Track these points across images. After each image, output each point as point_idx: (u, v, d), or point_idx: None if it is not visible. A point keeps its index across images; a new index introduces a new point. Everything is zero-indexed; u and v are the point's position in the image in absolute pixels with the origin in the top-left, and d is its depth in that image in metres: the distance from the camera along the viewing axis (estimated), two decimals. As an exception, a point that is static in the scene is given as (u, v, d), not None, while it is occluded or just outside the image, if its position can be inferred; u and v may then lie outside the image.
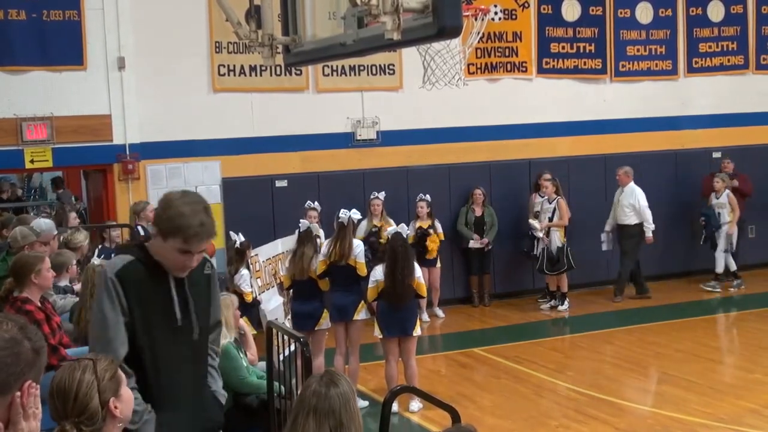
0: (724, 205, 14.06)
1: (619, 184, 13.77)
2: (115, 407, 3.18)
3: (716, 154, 15.23)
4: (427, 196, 13.03)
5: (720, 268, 14.15)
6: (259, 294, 10.29)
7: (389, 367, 9.03)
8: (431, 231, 12.83)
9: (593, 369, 10.68)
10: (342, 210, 9.32)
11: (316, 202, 11.61)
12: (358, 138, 13.46)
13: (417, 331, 9.05)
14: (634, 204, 13.59)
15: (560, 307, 13.31)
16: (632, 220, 13.64)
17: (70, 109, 11.84)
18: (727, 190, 14.13)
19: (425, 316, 12.53)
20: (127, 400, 3.28)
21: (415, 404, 8.98)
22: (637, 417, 8.85)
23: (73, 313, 7.32)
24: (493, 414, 8.99)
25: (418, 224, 12.86)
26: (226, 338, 7.02)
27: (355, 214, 9.38)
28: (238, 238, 10.14)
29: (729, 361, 11.05)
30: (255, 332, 8.73)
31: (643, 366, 10.75)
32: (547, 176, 13.36)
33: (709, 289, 14.14)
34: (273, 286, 11.01)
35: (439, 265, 13.04)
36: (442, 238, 13.06)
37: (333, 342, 9.42)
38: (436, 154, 13.78)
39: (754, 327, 12.27)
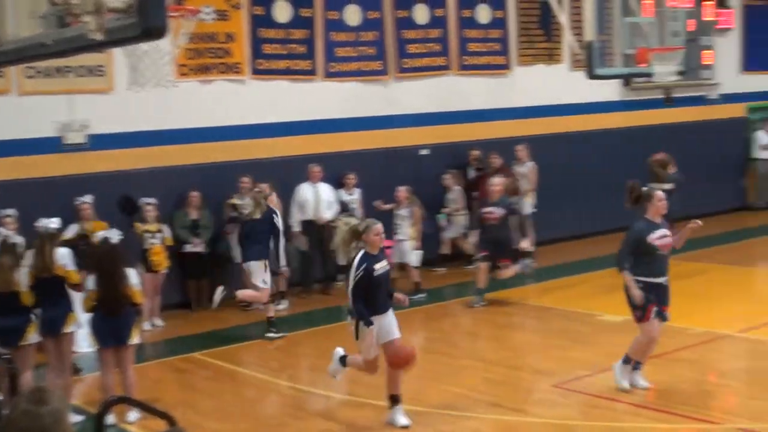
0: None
1: (311, 180, 14.20)
2: None
3: (423, 152, 15.95)
4: (152, 200, 12.75)
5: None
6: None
7: (105, 378, 8.76)
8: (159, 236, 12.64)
9: (313, 366, 10.86)
10: (40, 219, 8.91)
11: (12, 209, 11.09)
12: (67, 142, 12.91)
13: (134, 340, 8.81)
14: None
15: (279, 306, 13.42)
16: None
17: None
18: (458, 187, 15.05)
19: (147, 324, 12.24)
20: None
21: (133, 414, 8.74)
22: (354, 409, 9.06)
23: None
24: (215, 418, 8.93)
25: (144, 228, 12.52)
26: None
27: (53, 223, 8.94)
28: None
29: (435, 349, 11.49)
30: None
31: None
32: (245, 178, 13.51)
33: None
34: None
35: (164, 270, 12.77)
36: (170, 243, 12.84)
37: (43, 357, 8.98)
38: (150, 158, 13.48)
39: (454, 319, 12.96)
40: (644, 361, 9.01)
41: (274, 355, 11.33)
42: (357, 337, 8.25)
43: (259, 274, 11.66)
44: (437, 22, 16.43)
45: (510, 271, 13.29)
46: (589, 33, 13.60)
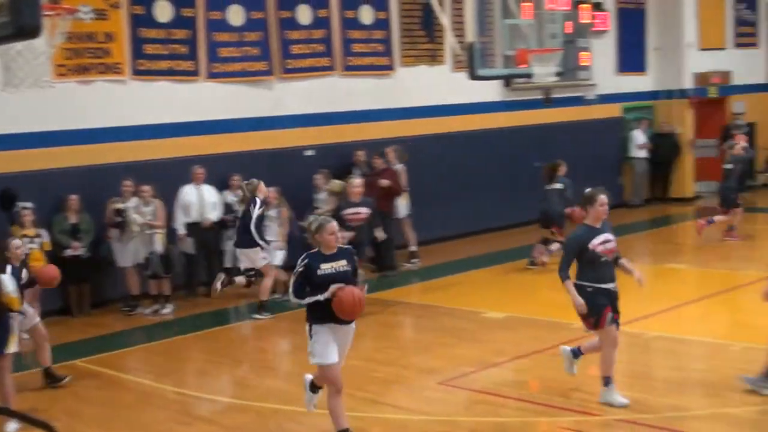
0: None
1: (195, 182, 14.02)
2: None
3: (308, 153, 15.94)
4: (29, 204, 12.40)
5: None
6: None
7: (-19, 388, 8.47)
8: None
9: (198, 370, 10.75)
10: None
11: None
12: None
13: (11, 349, 8.56)
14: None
15: (163, 311, 13.23)
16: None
17: None
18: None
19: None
20: None
21: (12, 425, 8.48)
22: (241, 413, 8.99)
23: None
24: (98, 427, 8.75)
25: (22, 233, 12.16)
26: None
27: None
28: None
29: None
30: None
31: (239, 360, 11.09)
32: (127, 181, 13.32)
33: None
34: None
35: None
36: (49, 248, 12.52)
37: None
38: (28, 160, 13.11)
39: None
40: (610, 373, 8.55)
41: (159, 360, 11.16)
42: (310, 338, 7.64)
43: (253, 256, 12.60)
44: (320, 22, 16.43)
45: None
46: (471, 34, 13.82)
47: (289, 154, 15.81)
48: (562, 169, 15.22)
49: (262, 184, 12.86)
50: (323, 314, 7.52)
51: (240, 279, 12.87)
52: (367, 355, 10.97)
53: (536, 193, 17.49)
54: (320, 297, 7.47)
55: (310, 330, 7.59)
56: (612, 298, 8.40)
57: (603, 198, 8.33)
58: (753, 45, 24.21)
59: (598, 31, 20.48)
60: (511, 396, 8.97)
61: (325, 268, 7.59)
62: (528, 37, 14.16)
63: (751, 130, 22.79)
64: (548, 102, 16.48)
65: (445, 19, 16.56)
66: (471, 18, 13.88)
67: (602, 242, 8.30)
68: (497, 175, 18.72)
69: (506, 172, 18.85)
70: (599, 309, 8.31)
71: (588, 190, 8.49)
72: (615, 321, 8.45)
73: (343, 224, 11.90)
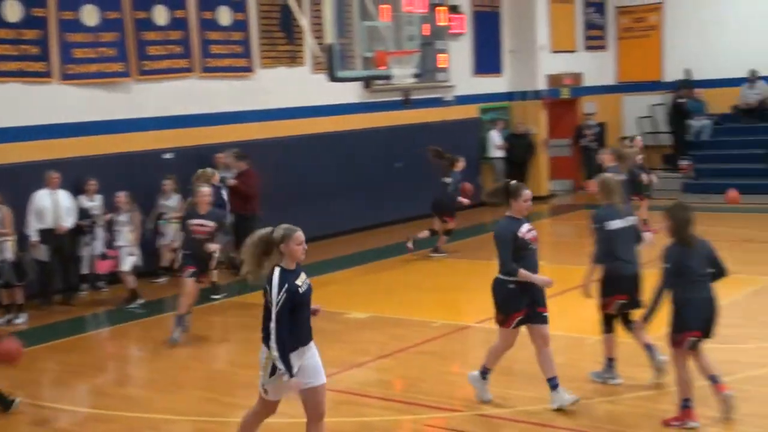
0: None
1: (49, 187, 13.57)
2: None
3: (167, 156, 15.68)
4: None
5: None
6: None
7: None
8: None
9: (54, 380, 10.44)
10: None
11: None
12: None
13: None
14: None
15: (17, 321, 12.79)
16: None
17: None
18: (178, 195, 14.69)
19: None
20: None
21: None
22: (103, 423, 8.77)
23: None
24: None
25: None
26: None
27: None
28: None
29: (187, 354, 11.33)
30: None
31: (97, 369, 10.85)
32: None
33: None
34: None
35: None
36: None
37: None
38: None
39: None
40: (493, 366, 8.64)
41: (11, 372, 10.72)
42: (270, 375, 6.58)
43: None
44: (178, 23, 16.18)
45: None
46: (329, 36, 13.85)
47: (147, 157, 15.51)
48: (459, 165, 16.11)
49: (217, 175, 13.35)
50: (299, 338, 6.61)
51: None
52: (230, 359, 10.89)
53: (397, 194, 17.75)
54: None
55: (285, 356, 6.46)
56: (536, 290, 8.28)
57: (528, 193, 8.29)
58: (602, 48, 25.10)
59: (454, 34, 20.88)
60: (375, 395, 9.04)
61: (301, 284, 6.70)
62: (386, 39, 14.29)
63: (601, 130, 23.66)
64: (407, 103, 16.67)
65: (303, 21, 16.56)
66: (330, 19, 13.91)
67: (528, 230, 8.27)
68: (357, 177, 18.83)
69: (366, 173, 18.98)
70: (512, 310, 8.25)
71: (513, 182, 8.44)
72: (540, 315, 8.33)
73: (189, 234, 11.43)
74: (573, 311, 11.19)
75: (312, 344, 6.73)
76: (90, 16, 15.00)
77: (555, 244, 17.12)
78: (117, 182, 14.46)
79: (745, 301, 11.93)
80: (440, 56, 18.41)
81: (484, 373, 8.64)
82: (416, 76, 15.22)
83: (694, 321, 7.66)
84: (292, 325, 6.49)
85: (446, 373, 9.76)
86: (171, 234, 14.71)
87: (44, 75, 14.47)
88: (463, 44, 21.54)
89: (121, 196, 13.70)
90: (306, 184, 17.68)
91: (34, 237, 13.43)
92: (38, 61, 14.39)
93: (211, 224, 11.46)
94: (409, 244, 15.77)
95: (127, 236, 13.52)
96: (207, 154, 15.94)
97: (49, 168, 13.74)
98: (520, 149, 22.28)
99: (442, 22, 18.16)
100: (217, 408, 8.95)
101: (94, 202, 14.17)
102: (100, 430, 8.55)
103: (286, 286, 6.50)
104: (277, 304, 6.46)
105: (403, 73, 14.62)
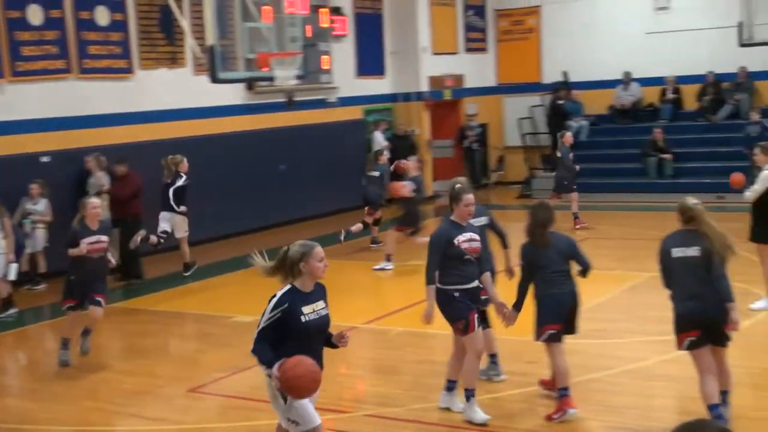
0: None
1: None
2: None
3: (44, 159, 15.26)
4: None
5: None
6: None
7: None
8: None
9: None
10: None
11: None
12: None
13: None
14: None
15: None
16: None
17: None
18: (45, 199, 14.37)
19: None
20: None
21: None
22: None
23: None
24: None
25: None
26: None
27: None
28: None
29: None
30: None
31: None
32: None
33: None
34: None
35: None
36: None
37: None
38: None
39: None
40: (472, 386, 8.04)
41: None
42: (284, 402, 6.09)
43: (164, 220, 14.42)
44: (53, 23, 15.75)
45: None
46: (211, 37, 13.71)
47: (24, 160, 15.06)
48: (383, 158, 16.86)
49: (185, 161, 14.58)
50: None
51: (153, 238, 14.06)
52: (114, 366, 10.66)
53: (282, 196, 17.65)
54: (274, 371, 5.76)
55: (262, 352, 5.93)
56: (476, 296, 7.98)
57: (469, 197, 7.89)
58: (483, 50, 25.51)
59: (337, 36, 20.90)
60: (264, 399, 8.92)
61: (308, 312, 5.96)
62: (268, 40, 14.23)
63: (483, 131, 24.05)
64: (291, 105, 16.64)
65: (184, 22, 16.35)
66: (211, 20, 13.78)
67: (468, 240, 7.84)
68: (242, 179, 18.68)
69: (251, 175, 18.85)
70: (466, 312, 7.81)
71: (457, 186, 7.98)
72: (483, 320, 8.16)
73: (82, 256, 10.07)
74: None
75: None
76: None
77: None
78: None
79: (622, 296, 12.27)
80: (323, 58, 18.45)
81: (469, 396, 8.00)
82: (299, 77, 15.22)
83: (552, 315, 7.89)
84: (293, 352, 5.78)
85: (334, 374, 9.75)
86: (40, 239, 14.37)
87: None
88: (346, 46, 21.60)
89: None
90: (190, 185, 17.42)
91: None
92: None
93: (105, 239, 10.36)
94: (341, 237, 16.15)
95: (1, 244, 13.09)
96: (86, 157, 15.60)
97: None
98: (402, 150, 22.37)
99: (324, 24, 18.18)
100: (102, 417, 8.77)
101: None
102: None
103: (285, 306, 5.87)
104: (263, 321, 5.90)
105: (286, 75, 14.58)
